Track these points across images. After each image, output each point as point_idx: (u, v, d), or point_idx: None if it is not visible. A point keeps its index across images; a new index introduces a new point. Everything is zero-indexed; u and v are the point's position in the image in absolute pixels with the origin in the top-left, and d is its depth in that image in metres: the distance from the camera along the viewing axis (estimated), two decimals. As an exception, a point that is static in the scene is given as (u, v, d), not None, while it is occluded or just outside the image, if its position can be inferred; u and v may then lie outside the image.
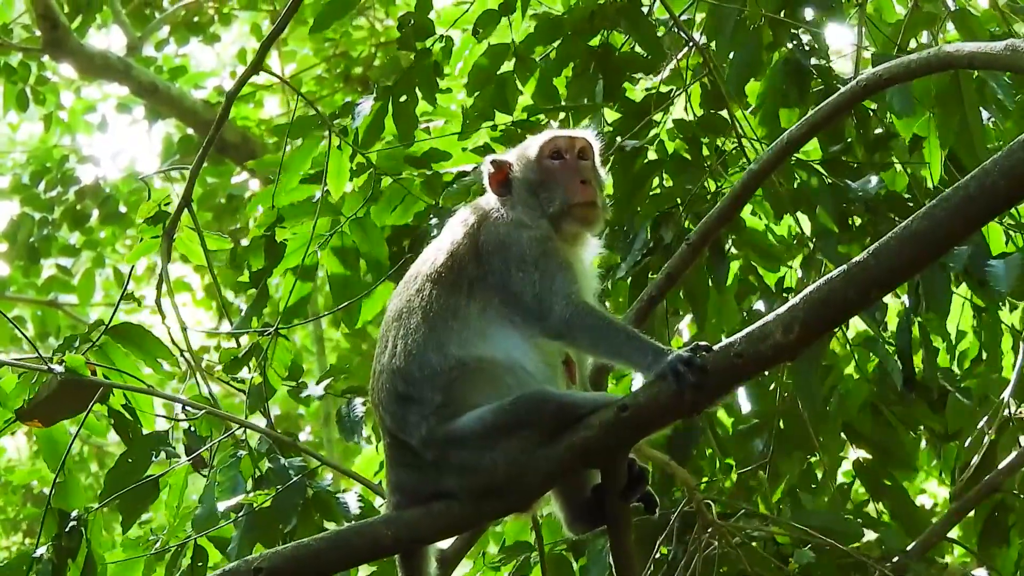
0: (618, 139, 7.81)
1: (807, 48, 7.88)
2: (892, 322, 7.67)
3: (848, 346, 7.94)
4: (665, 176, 7.85)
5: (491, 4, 8.25)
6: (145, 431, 6.82)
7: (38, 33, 17.04)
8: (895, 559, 7.39)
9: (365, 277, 7.82)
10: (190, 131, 18.48)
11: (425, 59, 8.06)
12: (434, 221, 7.67)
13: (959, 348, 8.00)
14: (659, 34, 8.07)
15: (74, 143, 20.86)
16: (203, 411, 6.86)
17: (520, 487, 4.99)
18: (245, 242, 8.05)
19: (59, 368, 6.67)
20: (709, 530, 7.22)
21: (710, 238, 6.58)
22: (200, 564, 6.61)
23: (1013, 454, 7.76)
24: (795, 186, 7.68)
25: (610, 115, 8.06)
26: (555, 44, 8.08)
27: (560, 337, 5.10)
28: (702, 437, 7.92)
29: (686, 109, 7.97)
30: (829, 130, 7.51)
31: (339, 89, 18.17)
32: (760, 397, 8.07)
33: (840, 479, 8.38)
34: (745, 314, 7.83)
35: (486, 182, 5.47)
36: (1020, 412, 7.73)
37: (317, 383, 7.35)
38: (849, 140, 7.77)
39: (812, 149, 7.85)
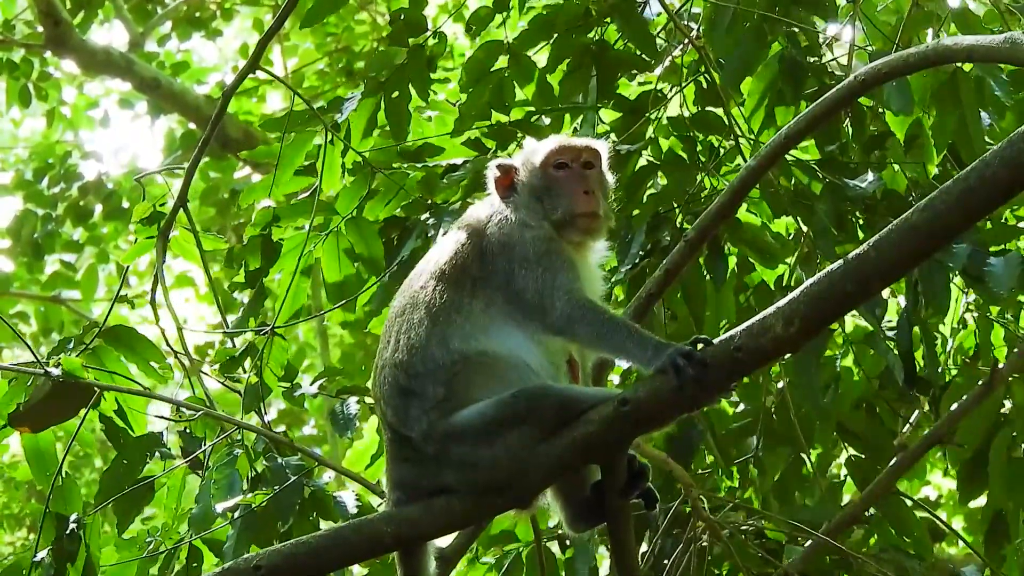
0: (611, 136, 7.80)
1: (802, 45, 7.86)
2: (892, 319, 7.66)
3: (848, 343, 7.94)
4: (661, 176, 7.84)
5: (486, 1, 8.24)
6: (136, 434, 6.81)
7: (40, 29, 17.05)
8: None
9: (362, 276, 7.82)
10: (192, 127, 18.48)
11: (418, 55, 8.05)
12: (431, 221, 7.65)
13: (955, 342, 7.99)
14: (654, 31, 8.06)
15: (77, 139, 20.87)
16: (199, 412, 6.84)
17: (521, 483, 4.99)
18: (246, 239, 8.03)
19: (55, 371, 6.66)
20: (701, 525, 7.22)
21: (708, 235, 6.57)
22: (195, 565, 6.61)
23: (955, 405, 7.75)
24: (792, 184, 7.66)
25: (607, 115, 8.05)
26: (549, 41, 8.07)
27: (561, 333, 5.10)
28: (702, 440, 7.91)
29: (681, 107, 7.95)
30: (825, 130, 7.50)
31: (341, 84, 18.16)
32: (752, 392, 8.07)
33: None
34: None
35: (491, 186, 5.47)
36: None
37: (312, 383, 7.34)
38: (845, 140, 7.75)
39: (808, 146, 7.84)
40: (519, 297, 5.13)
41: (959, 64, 7.39)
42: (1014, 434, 7.81)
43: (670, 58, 8.08)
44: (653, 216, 7.63)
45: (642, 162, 7.85)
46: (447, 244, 5.36)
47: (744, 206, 7.75)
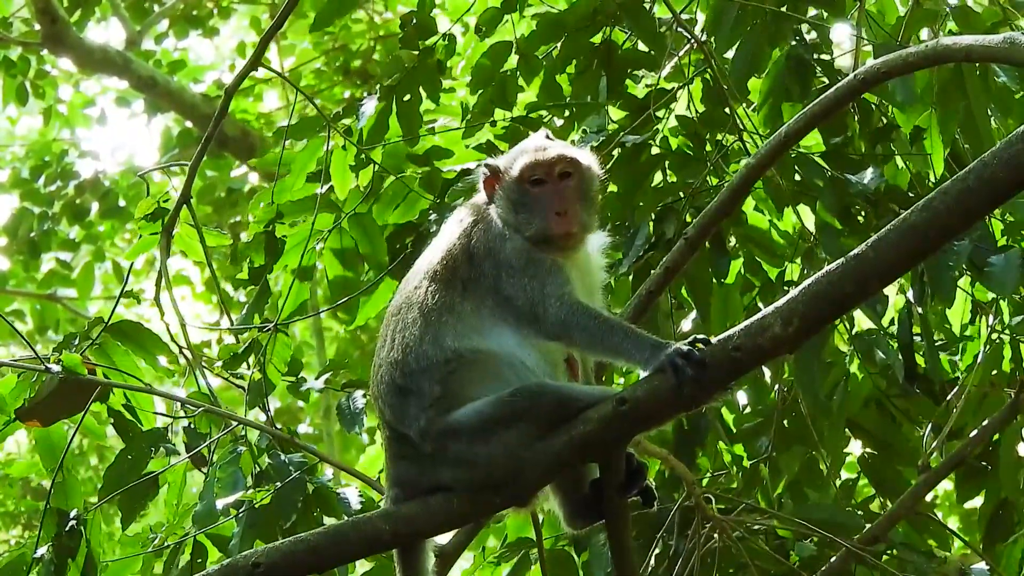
0: (620, 133, 7.80)
1: (809, 43, 7.86)
2: (893, 316, 7.66)
3: (850, 341, 7.93)
4: (668, 171, 7.84)
5: (494, 2, 8.24)
6: (144, 429, 6.82)
7: (37, 27, 17.04)
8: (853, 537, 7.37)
9: (367, 275, 7.82)
10: (189, 125, 18.48)
11: (428, 58, 8.05)
12: (433, 217, 7.66)
13: (960, 345, 7.99)
14: (660, 31, 8.06)
15: (73, 137, 20.84)
16: (202, 408, 6.85)
17: (518, 481, 5.00)
18: (245, 236, 8.04)
19: (56, 368, 6.67)
20: (708, 524, 7.22)
21: (708, 232, 6.58)
22: (199, 561, 6.61)
23: (982, 425, 7.75)
24: (796, 180, 7.67)
25: (616, 113, 8.05)
26: (558, 43, 8.07)
27: (557, 338, 5.10)
28: (710, 433, 7.90)
29: (688, 107, 7.96)
30: (831, 123, 7.49)
31: (338, 82, 18.16)
32: (760, 393, 8.07)
33: (845, 474, 8.37)
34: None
35: (481, 185, 5.46)
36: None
37: (316, 377, 7.35)
38: (850, 134, 7.76)
39: (815, 144, 7.84)
40: (509, 303, 5.13)
41: (961, 60, 7.38)
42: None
43: (676, 58, 8.08)
44: (659, 209, 7.63)
45: (648, 155, 7.85)
46: (439, 244, 5.36)
47: (752, 204, 7.76)
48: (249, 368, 7.25)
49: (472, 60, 8.22)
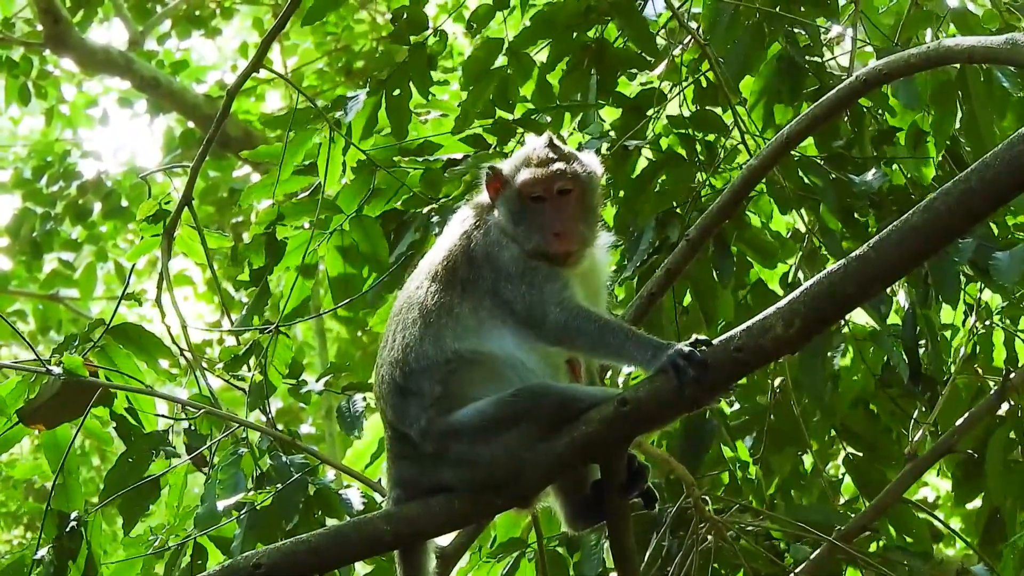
0: (611, 134, 7.81)
1: (802, 45, 7.87)
2: (894, 317, 7.66)
3: (849, 340, 7.94)
4: (663, 173, 7.84)
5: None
6: (146, 431, 6.81)
7: (40, 28, 17.06)
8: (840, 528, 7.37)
9: (366, 275, 7.83)
10: (191, 125, 18.49)
11: (419, 53, 8.05)
12: (435, 219, 7.66)
13: (953, 344, 8.00)
14: (655, 30, 8.06)
15: (76, 137, 20.86)
16: (202, 410, 6.85)
17: (520, 481, 4.99)
18: (247, 237, 8.05)
19: (57, 370, 6.66)
20: (704, 525, 7.22)
21: (710, 234, 6.58)
22: (200, 562, 6.61)
23: (966, 414, 7.76)
24: (798, 181, 7.67)
25: (609, 113, 8.05)
26: (549, 40, 8.07)
27: (558, 343, 5.09)
28: (715, 436, 7.90)
29: (681, 106, 7.96)
30: (828, 127, 7.50)
31: (340, 83, 18.17)
32: (749, 392, 8.07)
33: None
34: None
35: (482, 186, 5.44)
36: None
37: (317, 379, 7.35)
38: (851, 136, 7.76)
39: (809, 147, 7.84)
40: (508, 307, 5.12)
41: (963, 61, 7.39)
42: (1011, 435, 7.81)
43: (670, 57, 8.08)
44: (662, 213, 7.63)
45: (644, 161, 7.84)
46: (441, 244, 5.36)
47: (745, 204, 7.76)
48: (250, 370, 7.25)
49: (460, 57, 8.23)
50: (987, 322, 7.78)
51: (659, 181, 7.84)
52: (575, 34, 8.04)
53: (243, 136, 17.49)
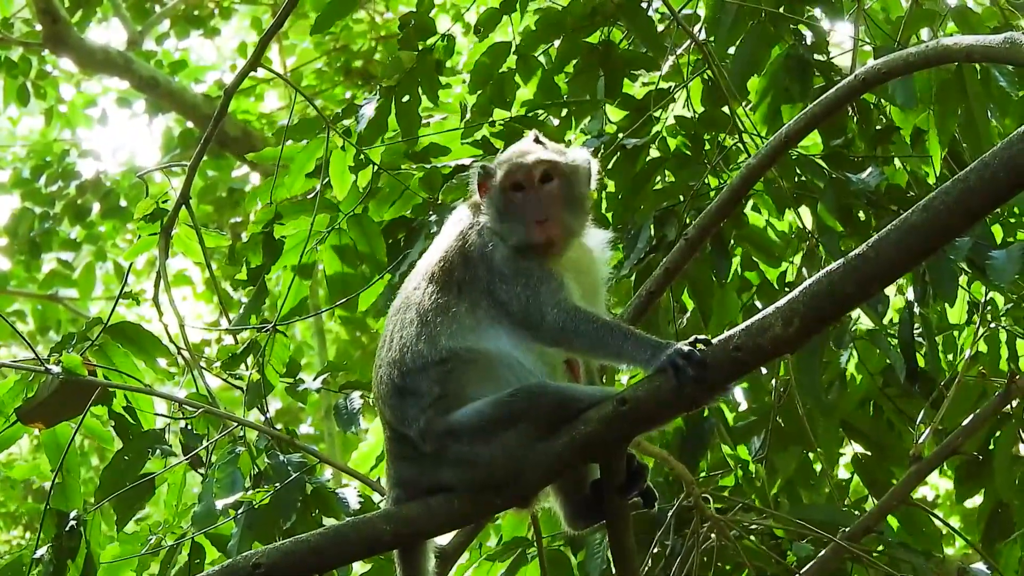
0: (619, 136, 7.81)
1: (808, 43, 7.87)
2: (894, 315, 7.66)
3: (851, 340, 7.93)
4: (667, 173, 7.84)
5: (492, 2, 8.25)
6: (143, 430, 6.81)
7: (39, 28, 17.05)
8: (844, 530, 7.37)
9: (363, 272, 7.82)
10: (190, 125, 18.49)
11: (427, 58, 8.06)
12: (433, 218, 7.66)
13: (959, 343, 7.99)
14: (659, 30, 8.07)
15: (74, 137, 20.85)
16: (200, 409, 6.85)
17: (519, 481, 4.99)
18: (244, 236, 8.06)
19: (56, 369, 6.66)
20: (706, 524, 7.22)
21: (709, 233, 6.58)
22: (197, 561, 6.61)
23: (975, 414, 7.76)
24: (796, 180, 7.67)
25: (615, 113, 8.05)
26: (556, 42, 8.08)
27: (556, 344, 5.09)
28: (714, 435, 7.90)
29: (685, 106, 7.96)
30: (831, 124, 7.49)
31: (339, 83, 18.17)
32: (756, 392, 8.07)
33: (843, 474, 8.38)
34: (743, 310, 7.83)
35: (474, 186, 5.44)
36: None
37: (315, 378, 7.35)
38: (851, 135, 7.76)
39: (812, 144, 7.84)
40: (504, 308, 5.12)
41: (961, 60, 7.39)
42: (1020, 431, 7.81)
43: (673, 57, 8.08)
44: (660, 211, 7.63)
45: (648, 157, 7.84)
46: (438, 245, 5.36)
47: (749, 204, 7.76)
48: (248, 369, 7.25)
49: (471, 60, 8.23)
50: (992, 323, 7.77)
51: (659, 180, 7.84)
52: (581, 36, 8.03)
53: (241, 135, 17.49)
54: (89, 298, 20.15)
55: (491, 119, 8.01)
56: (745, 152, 7.69)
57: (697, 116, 7.89)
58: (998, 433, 7.81)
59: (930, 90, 7.59)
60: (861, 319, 7.90)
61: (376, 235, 7.81)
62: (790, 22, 7.84)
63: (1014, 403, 7.71)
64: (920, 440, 7.64)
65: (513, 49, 8.12)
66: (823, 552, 7.35)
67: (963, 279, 7.63)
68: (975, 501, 8.37)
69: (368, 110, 7.92)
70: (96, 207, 19.16)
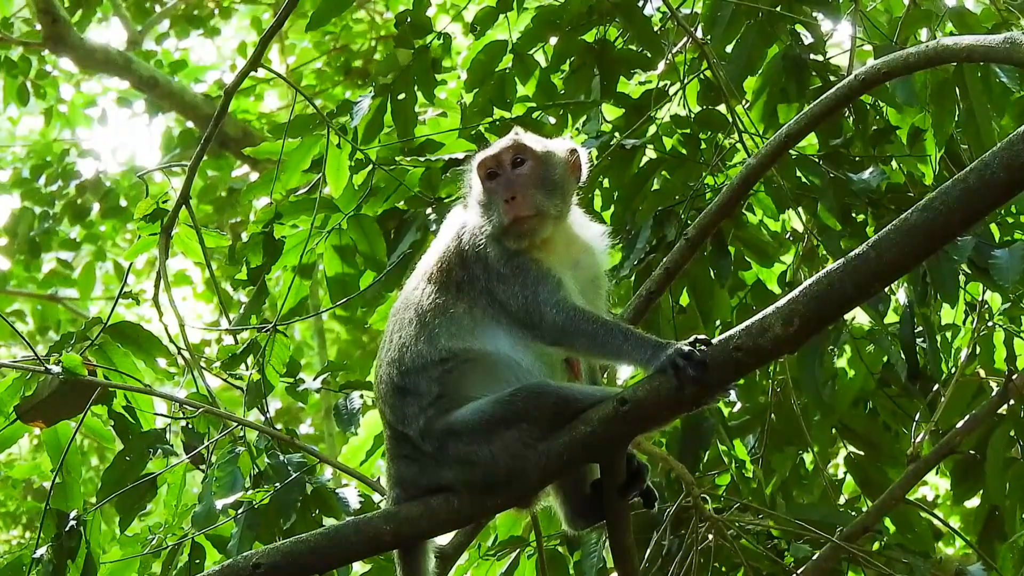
0: (616, 135, 7.81)
1: (805, 43, 7.87)
2: (893, 316, 7.66)
3: (849, 339, 7.94)
4: (664, 172, 7.84)
5: (490, 1, 8.26)
6: (143, 430, 6.81)
7: (38, 27, 17.04)
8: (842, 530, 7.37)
9: (363, 273, 7.83)
10: (190, 125, 18.49)
11: (423, 56, 8.06)
12: (432, 216, 7.66)
13: (954, 343, 8.00)
14: (656, 29, 8.07)
15: (74, 137, 20.84)
16: (201, 409, 6.85)
17: (519, 481, 4.99)
18: (245, 236, 8.06)
19: (56, 368, 6.66)
20: (704, 524, 7.22)
21: (708, 233, 6.58)
22: (198, 561, 6.61)
23: (971, 413, 7.76)
24: (796, 180, 7.67)
25: (611, 112, 8.05)
26: (552, 40, 8.08)
27: (556, 344, 5.09)
28: (713, 435, 7.90)
29: (680, 104, 7.96)
30: (828, 124, 7.50)
31: (339, 82, 18.17)
32: (751, 392, 8.07)
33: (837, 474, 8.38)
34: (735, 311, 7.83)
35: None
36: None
37: (315, 378, 7.35)
38: (849, 135, 7.76)
39: (808, 145, 7.84)
40: (503, 307, 5.12)
41: (961, 60, 7.38)
42: (1011, 433, 7.82)
43: (670, 56, 8.08)
44: (659, 211, 7.63)
45: (646, 157, 7.84)
46: (436, 245, 5.38)
47: (744, 203, 7.76)
48: (248, 369, 7.26)
49: (468, 58, 8.24)
50: (989, 322, 7.78)
51: (657, 179, 7.84)
52: (578, 35, 8.03)
53: (241, 135, 17.49)
54: (89, 298, 20.13)
55: (490, 119, 8.00)
56: (744, 151, 7.69)
57: (693, 115, 7.89)
58: (994, 435, 7.83)
59: (926, 91, 7.59)
60: (856, 318, 7.91)
61: (376, 235, 7.81)
62: (787, 22, 7.84)
63: (1011, 402, 7.73)
64: (918, 440, 7.65)
65: (509, 48, 8.12)
66: (819, 553, 7.36)
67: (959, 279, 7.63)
68: (975, 501, 8.38)
69: (363, 106, 7.92)
70: (96, 207, 19.15)
